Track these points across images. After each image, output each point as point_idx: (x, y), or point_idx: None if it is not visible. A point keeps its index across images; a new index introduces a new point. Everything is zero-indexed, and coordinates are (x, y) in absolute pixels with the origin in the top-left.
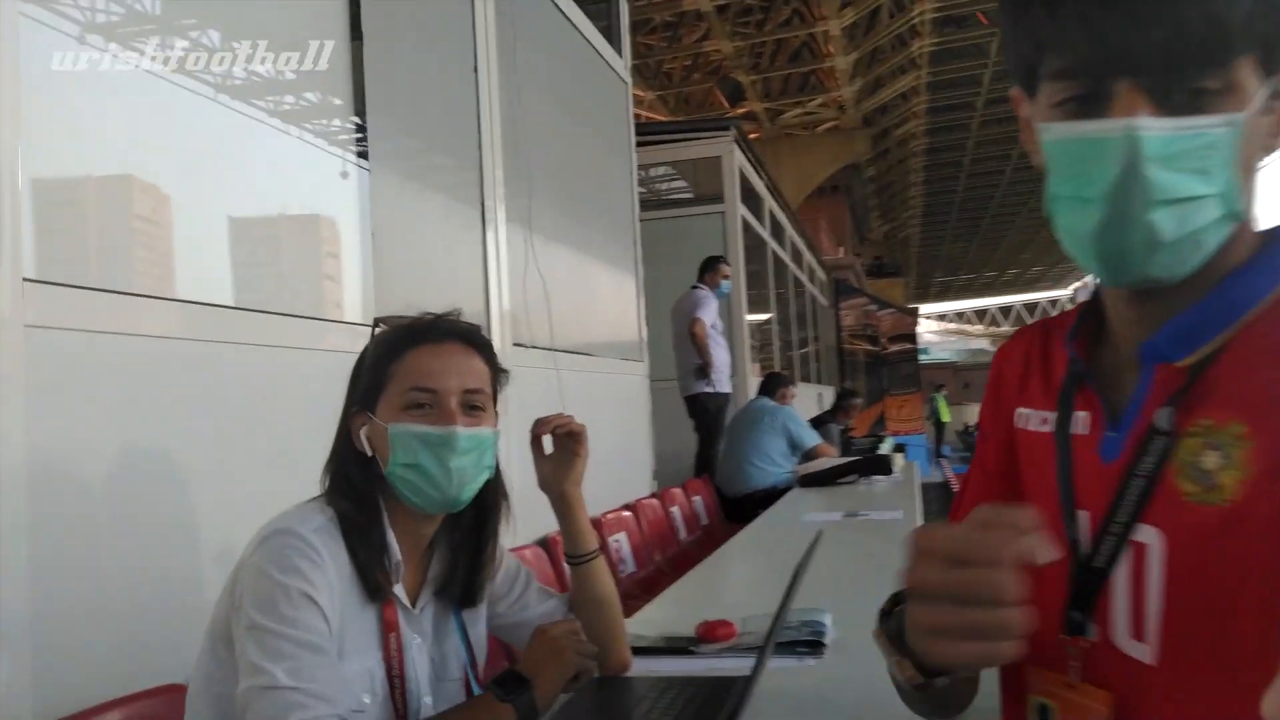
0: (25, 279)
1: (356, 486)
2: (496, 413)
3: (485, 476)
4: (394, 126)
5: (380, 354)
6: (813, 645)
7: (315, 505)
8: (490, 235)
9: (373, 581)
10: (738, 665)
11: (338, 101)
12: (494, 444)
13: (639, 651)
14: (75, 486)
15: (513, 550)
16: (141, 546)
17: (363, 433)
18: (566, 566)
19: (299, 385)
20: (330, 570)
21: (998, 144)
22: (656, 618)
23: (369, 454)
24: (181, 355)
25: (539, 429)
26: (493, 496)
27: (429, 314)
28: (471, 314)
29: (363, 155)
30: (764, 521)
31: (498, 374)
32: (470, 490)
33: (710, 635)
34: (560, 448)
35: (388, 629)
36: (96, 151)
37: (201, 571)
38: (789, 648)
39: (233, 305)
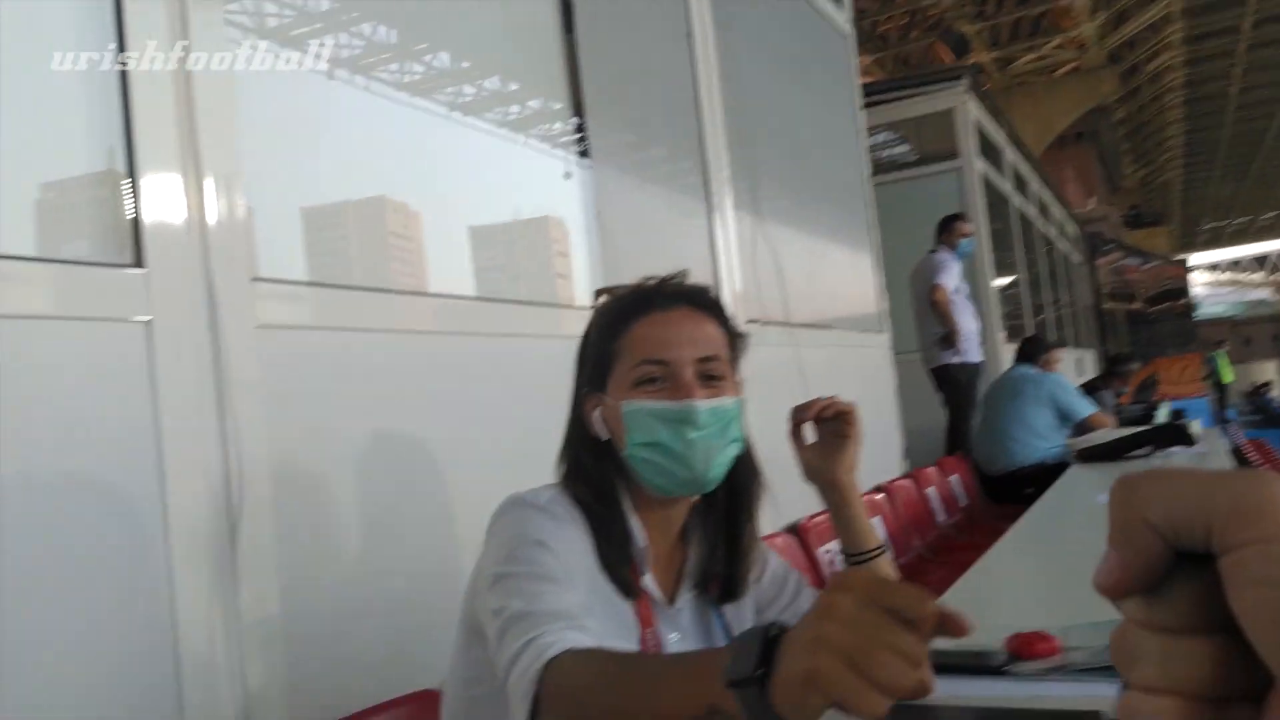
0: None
1: (592, 474)
2: (738, 381)
3: (733, 451)
4: (612, 120)
5: (604, 328)
6: None
7: (546, 487)
8: (716, 214)
9: (621, 576)
10: (1072, 694)
11: (557, 105)
12: (739, 415)
13: (938, 670)
14: (318, 486)
15: (762, 538)
16: (392, 544)
17: (596, 415)
18: (825, 568)
19: (540, 373)
20: (572, 534)
21: (1270, 69)
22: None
23: (604, 438)
24: (429, 349)
25: (799, 416)
26: (744, 474)
27: (652, 278)
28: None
29: (584, 154)
30: (1045, 505)
31: (735, 338)
32: (719, 468)
33: (1026, 651)
34: (826, 431)
35: (643, 624)
36: (354, 177)
37: (454, 567)
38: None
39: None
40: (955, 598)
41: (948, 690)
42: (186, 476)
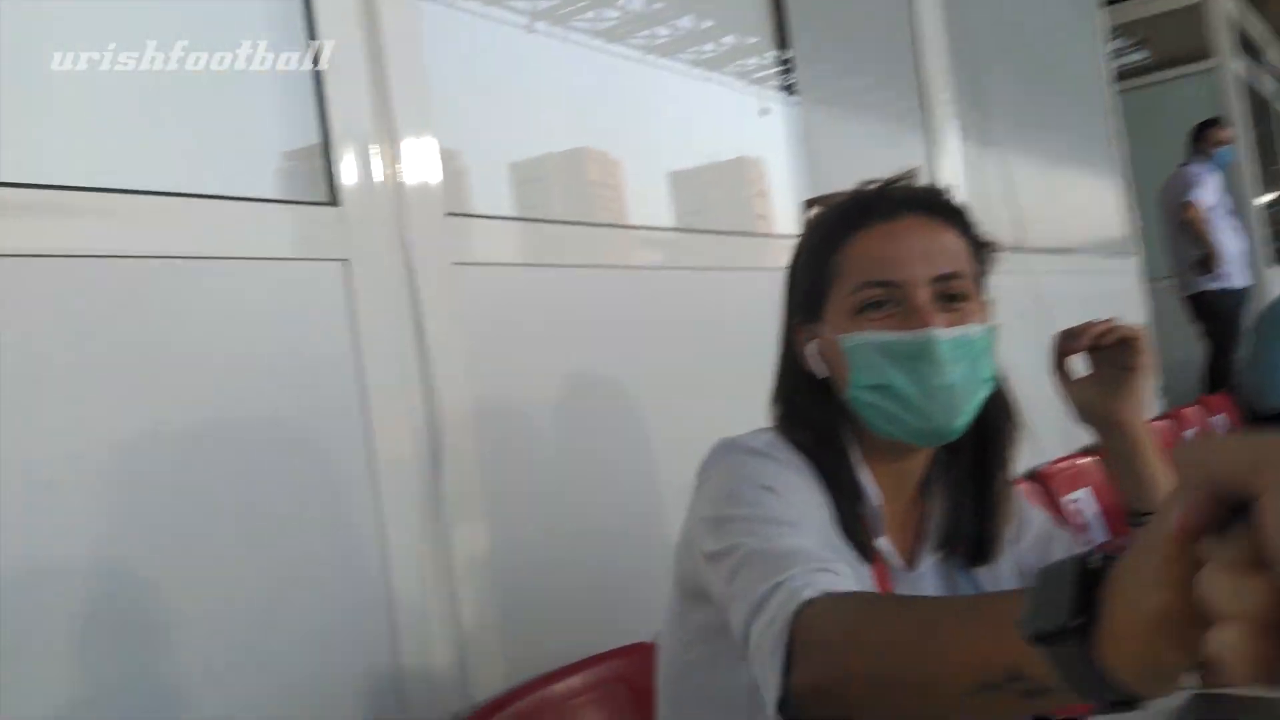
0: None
1: (813, 418)
2: (986, 301)
3: (984, 392)
4: (818, 49)
5: (816, 245)
6: None
7: (767, 430)
8: (937, 136)
9: (857, 538)
10: None
11: (753, 39)
12: (990, 345)
13: None
14: (520, 428)
15: (1063, 460)
16: (597, 485)
17: (811, 349)
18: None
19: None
20: (800, 483)
21: None
22: None
23: (822, 375)
24: (629, 284)
25: (1068, 345)
26: (996, 415)
27: (873, 182)
28: None
29: (788, 89)
30: None
31: (981, 248)
32: (966, 413)
33: None
34: (1105, 362)
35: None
36: (555, 129)
37: (659, 510)
38: None
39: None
40: None
41: None
42: (390, 417)
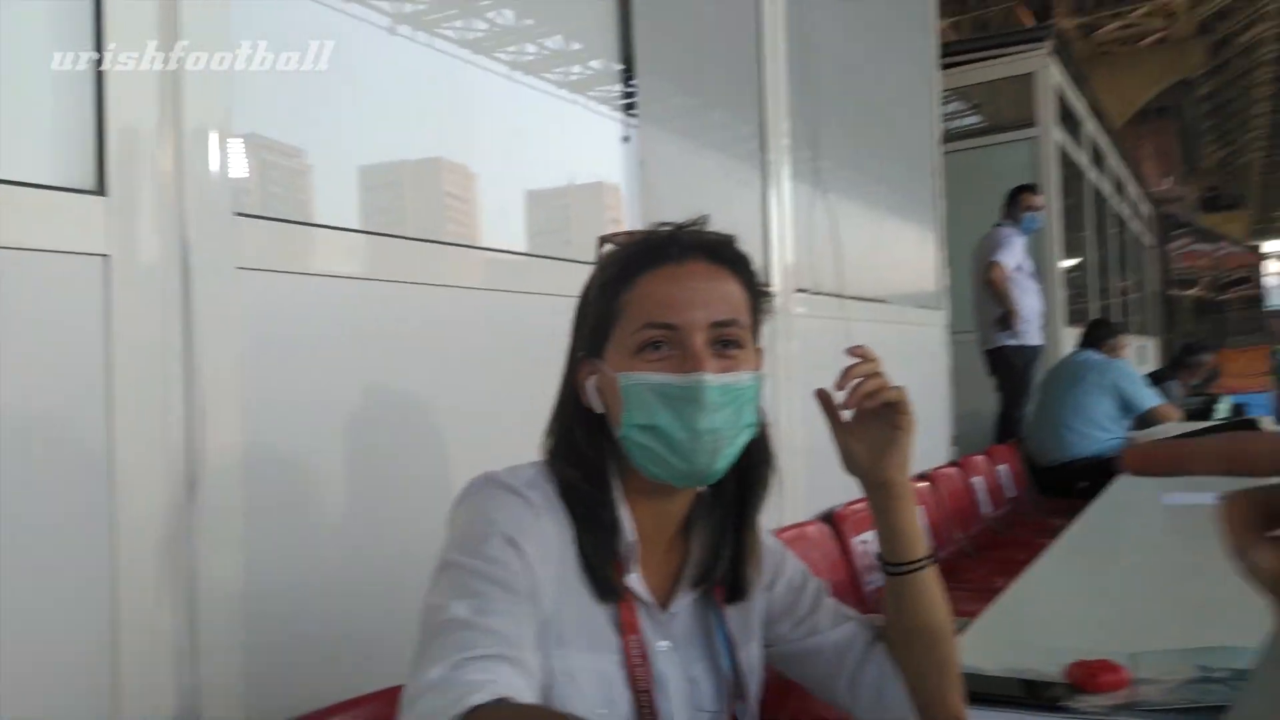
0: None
1: (583, 452)
2: (759, 349)
3: (745, 438)
4: (665, 79)
5: (605, 283)
6: None
7: (530, 465)
8: (772, 180)
9: (602, 575)
10: None
11: (619, 66)
12: (756, 393)
13: (978, 700)
14: (297, 454)
15: (792, 526)
16: (379, 520)
17: (590, 385)
18: (884, 576)
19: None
20: (549, 531)
21: None
22: (990, 644)
23: (599, 410)
24: (437, 302)
25: (834, 406)
26: (757, 460)
27: (665, 225)
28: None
29: (632, 112)
30: (1105, 504)
31: (759, 298)
32: (726, 458)
33: (1089, 683)
34: (873, 419)
35: (626, 630)
36: (412, 136)
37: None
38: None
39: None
40: (1002, 611)
41: None
42: (140, 431)
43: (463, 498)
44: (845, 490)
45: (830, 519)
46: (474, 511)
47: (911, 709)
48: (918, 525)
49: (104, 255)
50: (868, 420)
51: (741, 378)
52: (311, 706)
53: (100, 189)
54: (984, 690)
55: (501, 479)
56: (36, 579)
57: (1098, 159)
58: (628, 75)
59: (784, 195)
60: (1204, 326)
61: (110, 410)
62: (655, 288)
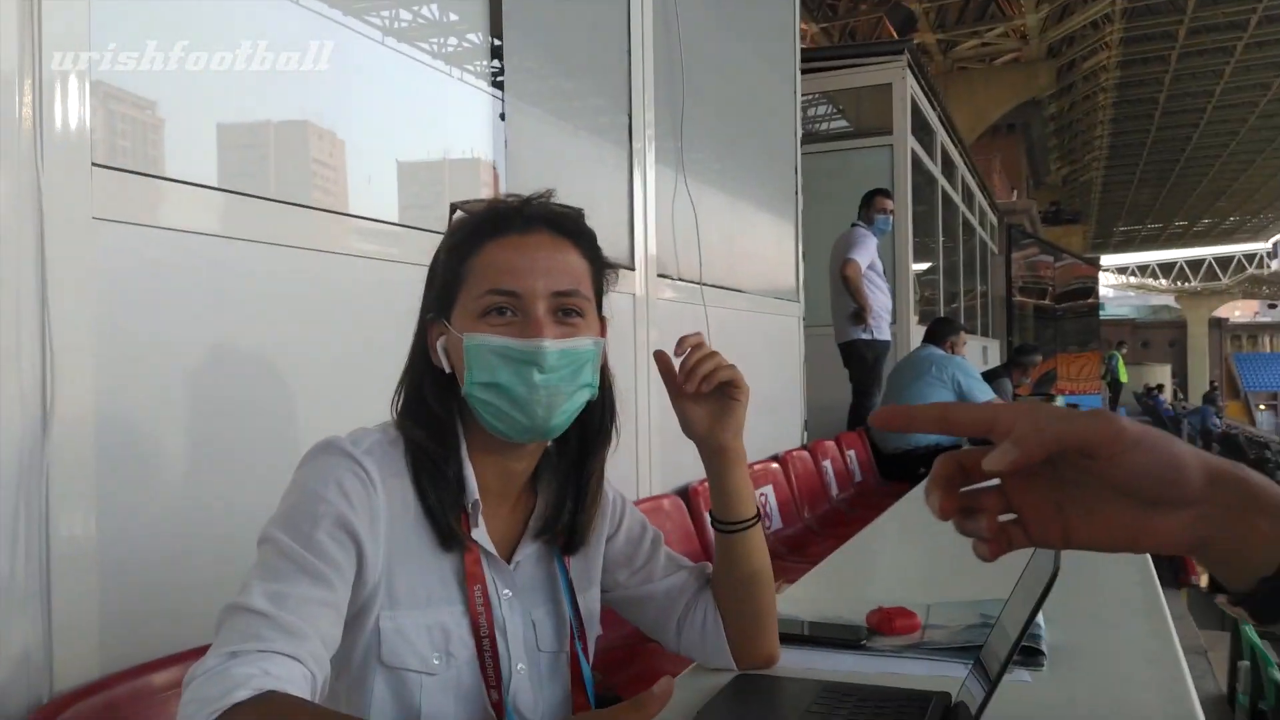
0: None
1: (432, 410)
2: (603, 318)
3: (584, 398)
4: (532, 50)
5: (453, 248)
6: (1026, 654)
7: (377, 427)
8: (637, 161)
9: (444, 526)
10: (926, 672)
11: (495, 41)
12: (595, 358)
13: (791, 640)
14: (148, 404)
15: (649, 499)
16: (229, 476)
17: (439, 344)
18: (712, 533)
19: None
20: (379, 497)
21: (1199, 78)
22: (811, 596)
23: (447, 370)
24: (288, 262)
25: (676, 382)
26: (597, 418)
27: (513, 196)
28: (613, 240)
29: (497, 83)
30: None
31: (602, 270)
32: (564, 416)
33: (886, 627)
34: (712, 391)
35: (470, 581)
36: (277, 96)
37: None
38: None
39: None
40: (830, 569)
41: (805, 663)
42: None
43: (302, 463)
44: (699, 467)
45: (685, 494)
46: (305, 485)
47: (728, 650)
48: (749, 488)
49: None
50: (710, 394)
51: (580, 343)
52: (165, 652)
53: None
54: (798, 634)
55: (342, 446)
56: None
57: (949, 169)
58: (499, 51)
59: (649, 181)
60: (1044, 332)
61: None
62: (500, 256)
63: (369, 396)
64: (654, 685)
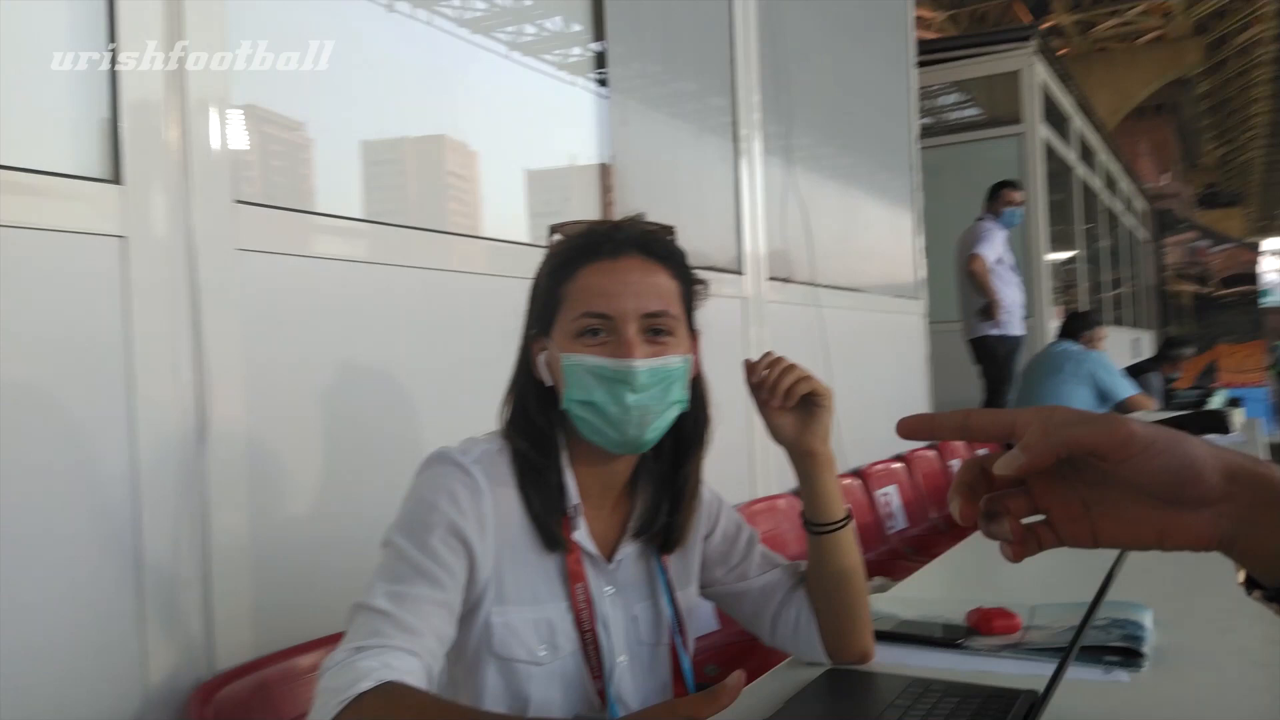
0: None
1: (535, 421)
2: (695, 331)
3: (675, 412)
4: (635, 48)
5: (552, 270)
6: (1125, 654)
7: (485, 436)
8: (744, 160)
9: (548, 530)
10: (1020, 671)
11: (604, 46)
12: (684, 374)
13: (887, 638)
14: (292, 418)
15: (764, 500)
16: (362, 483)
17: (541, 360)
18: (807, 534)
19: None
20: (487, 503)
21: None
22: (917, 595)
23: (548, 384)
24: (421, 284)
25: (760, 395)
26: (691, 426)
27: (606, 221)
28: (721, 243)
29: (603, 84)
30: None
31: (690, 287)
32: (655, 430)
33: (985, 626)
34: (799, 402)
35: (573, 579)
36: (413, 114)
37: None
38: (1092, 655)
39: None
40: (939, 568)
41: (900, 660)
42: (156, 396)
43: (418, 472)
44: (867, 453)
45: (859, 474)
46: (421, 494)
47: (822, 644)
48: (838, 490)
49: (120, 237)
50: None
51: (670, 361)
52: (308, 637)
53: (116, 178)
54: (893, 631)
55: (453, 455)
56: (69, 532)
57: (1087, 155)
58: (603, 57)
59: (757, 181)
60: (1203, 322)
61: (131, 381)
62: (593, 280)
63: (485, 406)
64: (727, 678)
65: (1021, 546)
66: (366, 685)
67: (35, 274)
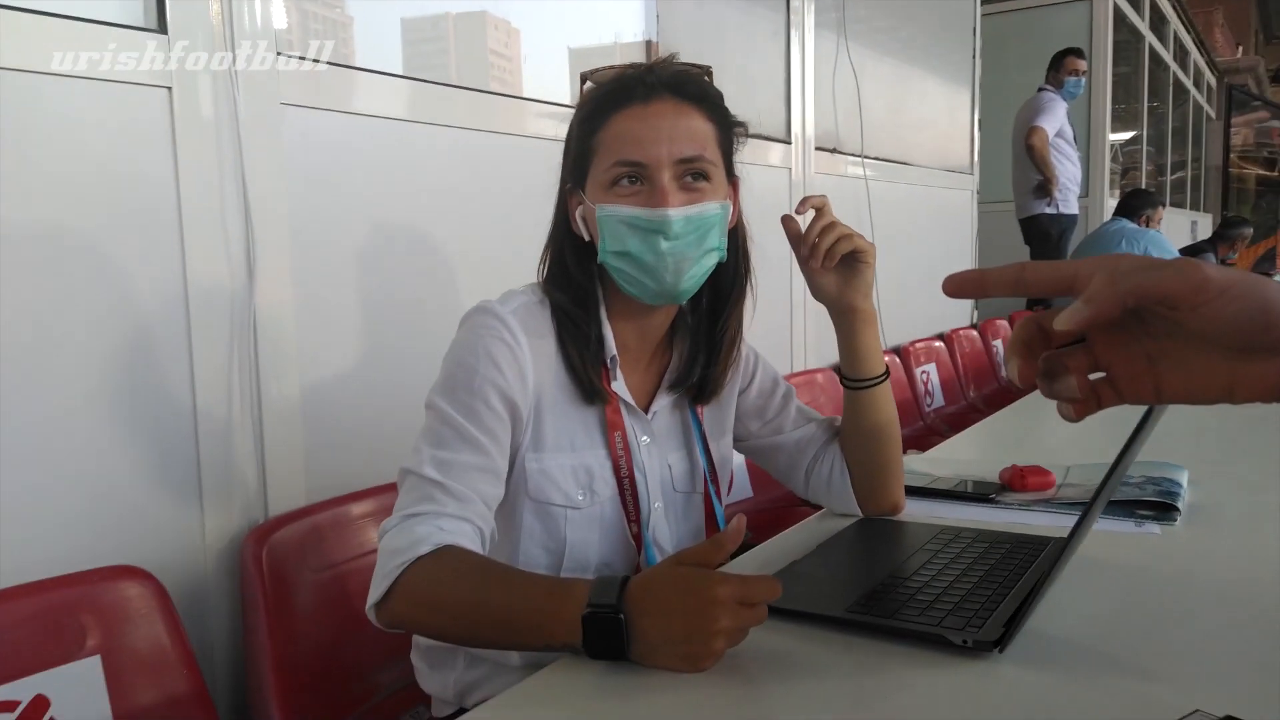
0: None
1: (572, 275)
2: (734, 178)
3: (712, 260)
4: None
5: (583, 120)
6: (1160, 509)
7: (525, 288)
8: (795, 34)
9: (585, 381)
10: (1050, 523)
11: None
12: (721, 221)
13: (919, 493)
14: (337, 270)
15: (802, 373)
16: (408, 335)
17: (578, 214)
18: (844, 389)
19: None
20: (525, 354)
21: None
22: (955, 456)
23: (586, 238)
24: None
25: (806, 254)
26: (728, 277)
27: (638, 65)
28: (770, 114)
29: None
30: None
31: (730, 129)
32: (692, 279)
33: (1019, 483)
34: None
35: (611, 428)
36: None
37: None
38: (1126, 508)
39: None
40: (978, 432)
41: (931, 512)
42: (205, 242)
43: (460, 324)
44: (910, 330)
45: (899, 351)
46: (461, 354)
47: (855, 497)
48: (878, 347)
49: (165, 88)
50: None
51: (707, 208)
52: (358, 486)
53: (161, 27)
54: (926, 486)
55: (493, 307)
56: (124, 375)
57: (1158, 23)
58: None
59: (807, 49)
60: (1267, 209)
61: (181, 227)
62: (624, 127)
63: (528, 265)
64: (728, 524)
65: (1084, 405)
66: (425, 549)
67: (86, 122)
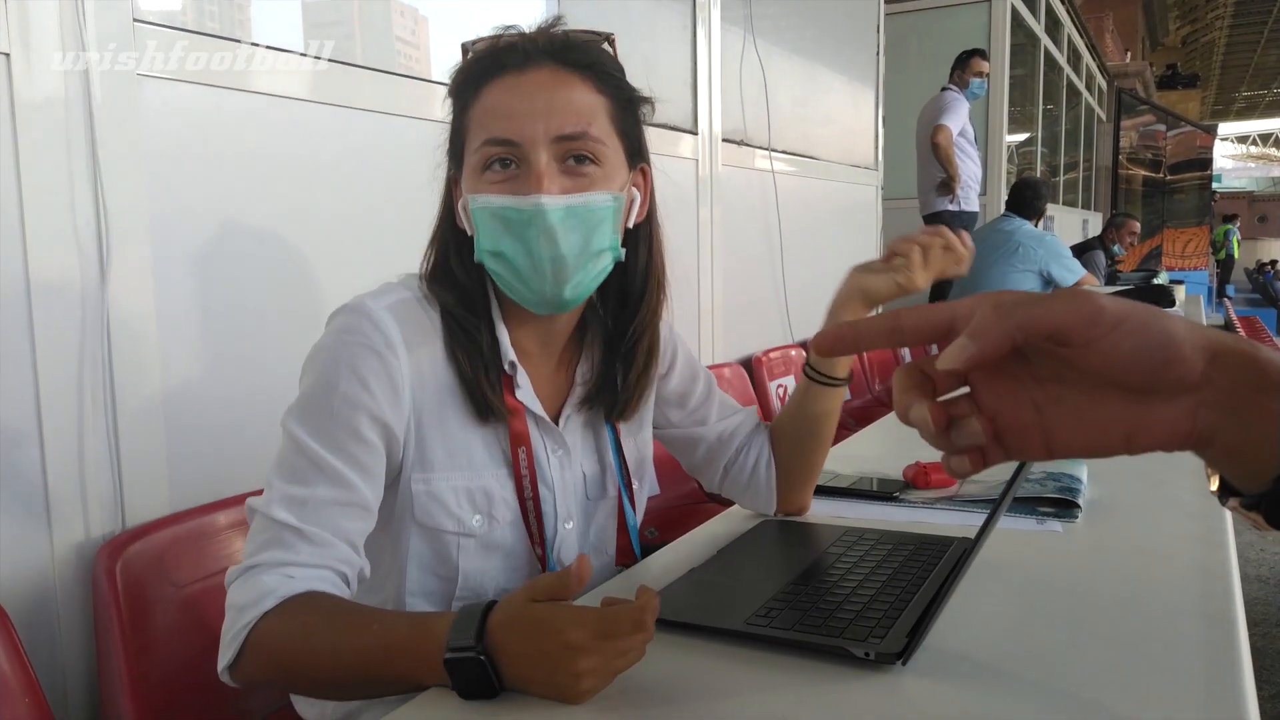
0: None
1: (457, 275)
2: (645, 164)
3: (602, 264)
4: None
5: (456, 94)
6: (1060, 505)
7: (405, 278)
8: (700, 17)
9: (479, 397)
10: (953, 522)
11: None
12: (614, 215)
13: (825, 493)
14: (200, 259)
15: (711, 367)
16: (278, 332)
17: (460, 205)
18: (776, 398)
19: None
20: (401, 364)
21: None
22: (860, 453)
23: (470, 233)
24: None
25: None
26: (640, 281)
27: (514, 28)
28: (676, 104)
29: None
30: None
31: (628, 106)
32: (578, 287)
33: (922, 481)
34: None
35: (515, 442)
36: None
37: None
38: (1028, 506)
39: None
40: (879, 430)
41: (835, 512)
42: (49, 228)
43: (329, 320)
44: (761, 339)
45: (748, 364)
46: (322, 367)
47: (775, 493)
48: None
49: (4, 53)
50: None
51: (593, 199)
52: (226, 494)
53: None
54: (831, 485)
55: (366, 307)
56: None
57: (1053, 27)
58: None
59: (714, 41)
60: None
61: (22, 213)
62: (495, 99)
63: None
64: (572, 564)
65: (980, 453)
66: (271, 603)
67: None
